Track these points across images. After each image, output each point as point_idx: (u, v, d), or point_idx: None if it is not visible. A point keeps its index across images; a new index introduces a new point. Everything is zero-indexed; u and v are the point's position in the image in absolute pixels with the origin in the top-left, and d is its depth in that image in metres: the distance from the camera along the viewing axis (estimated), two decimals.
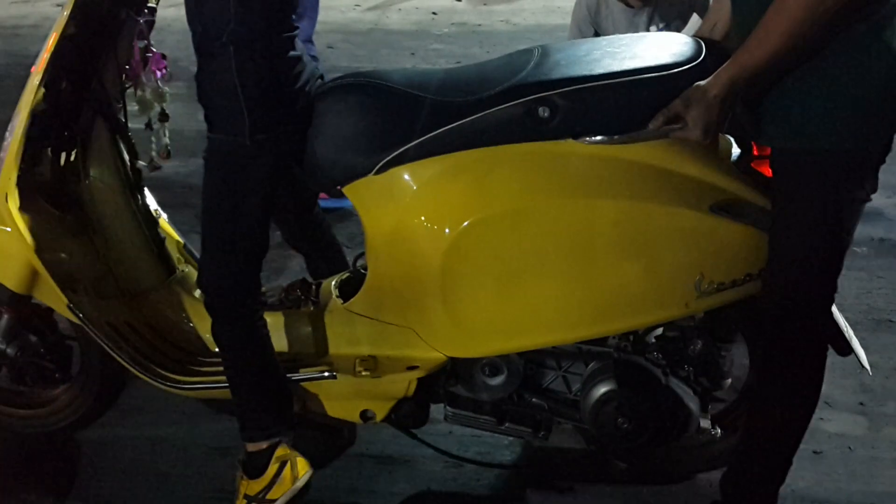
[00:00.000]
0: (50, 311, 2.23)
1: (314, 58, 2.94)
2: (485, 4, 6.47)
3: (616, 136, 1.81)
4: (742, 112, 1.78)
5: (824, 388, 1.94)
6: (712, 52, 1.85)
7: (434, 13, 6.23)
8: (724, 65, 1.71)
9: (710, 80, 1.71)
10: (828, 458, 2.34)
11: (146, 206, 2.32)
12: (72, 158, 2.19)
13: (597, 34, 3.16)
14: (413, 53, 5.34)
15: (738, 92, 1.71)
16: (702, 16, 2.61)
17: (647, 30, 3.07)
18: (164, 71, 2.13)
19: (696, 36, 1.96)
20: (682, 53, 1.84)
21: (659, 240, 1.84)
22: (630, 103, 1.82)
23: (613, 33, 3.09)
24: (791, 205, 1.77)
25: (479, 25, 5.96)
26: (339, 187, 2.01)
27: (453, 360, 2.05)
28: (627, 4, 3.09)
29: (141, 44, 2.09)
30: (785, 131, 1.73)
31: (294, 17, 1.97)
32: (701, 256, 1.86)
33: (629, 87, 1.81)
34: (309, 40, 3.03)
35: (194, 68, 1.95)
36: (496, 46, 5.41)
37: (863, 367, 2.05)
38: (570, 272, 1.89)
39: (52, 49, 2.00)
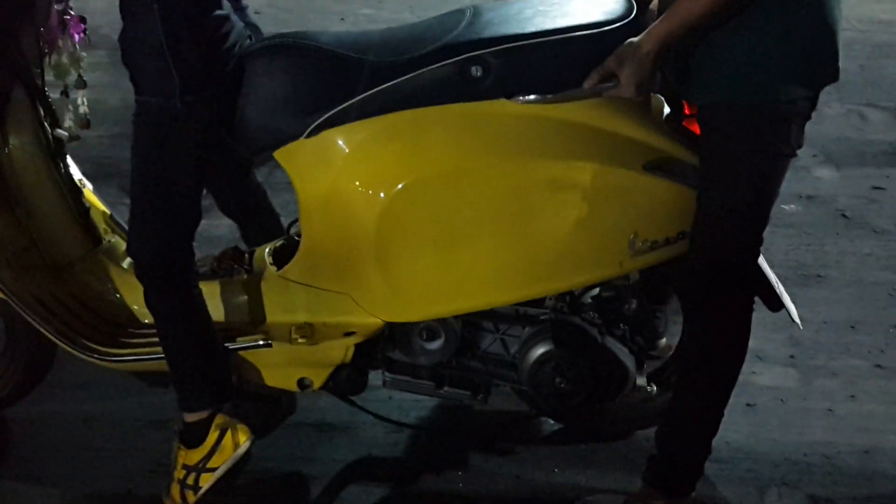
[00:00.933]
0: None
1: (252, 25, 2.89)
2: None
3: (549, 96, 1.81)
4: (670, 68, 1.79)
5: (755, 342, 1.99)
6: (643, 8, 1.85)
7: None
8: (655, 21, 1.71)
9: (643, 36, 1.71)
10: (760, 411, 2.40)
11: (69, 175, 2.24)
12: None
13: None
14: (342, 19, 5.25)
15: (670, 48, 1.72)
16: None
17: None
18: (82, 35, 2.05)
19: None
20: (613, 11, 1.84)
21: (593, 199, 1.85)
22: (562, 61, 1.81)
23: None
24: (716, 160, 1.79)
25: None
26: (269, 151, 1.97)
27: (390, 326, 2.04)
28: None
29: (59, 6, 2.01)
30: (710, 86, 1.74)
31: None
32: (635, 215, 1.87)
33: (561, 45, 1.81)
34: (242, 7, 2.93)
35: (116, 35, 1.88)
36: (427, 11, 5.33)
37: (793, 321, 2.10)
38: (505, 233, 1.89)
39: None
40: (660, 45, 1.70)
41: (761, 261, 1.96)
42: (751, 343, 1.94)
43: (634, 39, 1.72)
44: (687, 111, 1.91)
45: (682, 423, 2.02)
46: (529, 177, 1.85)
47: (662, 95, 1.95)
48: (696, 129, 1.85)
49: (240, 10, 2.07)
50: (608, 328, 2.05)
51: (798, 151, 1.80)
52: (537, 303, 2.04)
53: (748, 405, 2.40)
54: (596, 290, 2.07)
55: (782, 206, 3.21)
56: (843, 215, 3.28)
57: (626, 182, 1.85)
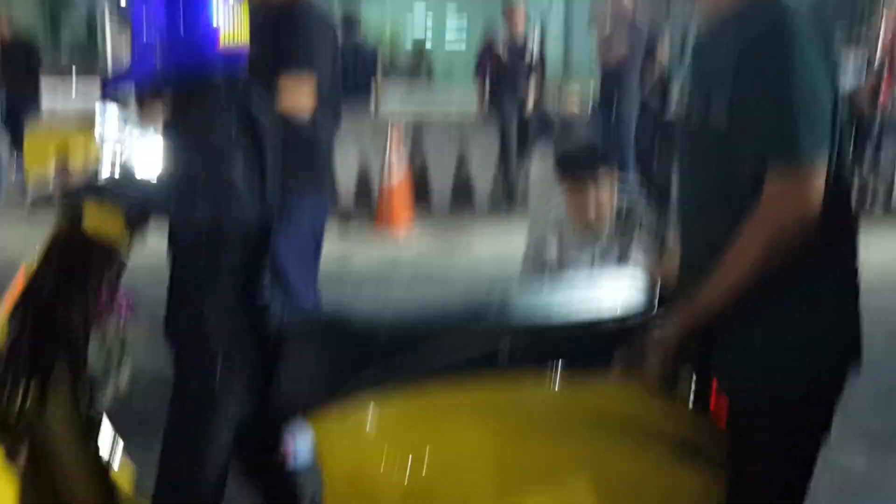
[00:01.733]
0: None
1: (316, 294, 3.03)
2: (445, 250, 6.73)
3: (574, 379, 1.85)
4: (696, 353, 1.83)
5: None
6: (667, 295, 1.93)
7: (395, 259, 6.44)
8: (678, 309, 1.78)
9: (667, 322, 1.77)
10: None
11: (98, 455, 2.26)
12: (30, 397, 2.16)
13: (551, 263, 3.28)
14: (374, 301, 5.46)
15: (693, 335, 1.77)
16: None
17: (599, 262, 3.18)
18: (129, 315, 2.16)
19: (652, 277, 2.05)
20: (638, 296, 1.92)
21: (621, 482, 1.84)
22: (588, 346, 1.87)
23: (568, 261, 3.21)
24: (744, 447, 1.78)
25: (439, 269, 6.16)
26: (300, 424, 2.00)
27: None
28: (587, 235, 3.20)
29: (109, 287, 2.13)
30: (733, 374, 1.77)
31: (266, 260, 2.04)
32: (662, 499, 1.84)
33: (586, 330, 1.88)
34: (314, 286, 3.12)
35: (162, 304, 1.98)
36: (456, 291, 5.56)
37: None
38: None
39: (20, 292, 2.03)
40: (683, 331, 1.75)
41: None
42: None
43: (656, 330, 1.78)
44: (715, 394, 1.93)
45: None
46: (556, 460, 1.84)
47: (689, 376, 1.98)
48: (720, 412, 1.86)
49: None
50: None
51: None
52: None
53: None
54: None
55: None
56: None
57: (654, 466, 1.84)
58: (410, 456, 1.89)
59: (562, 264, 3.26)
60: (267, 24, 3.09)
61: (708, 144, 1.73)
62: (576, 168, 2.98)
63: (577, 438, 1.85)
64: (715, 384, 1.85)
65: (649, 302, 1.91)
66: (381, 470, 1.90)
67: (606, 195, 2.98)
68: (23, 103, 7.83)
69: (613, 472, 1.84)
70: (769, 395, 1.74)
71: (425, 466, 1.87)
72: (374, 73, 8.32)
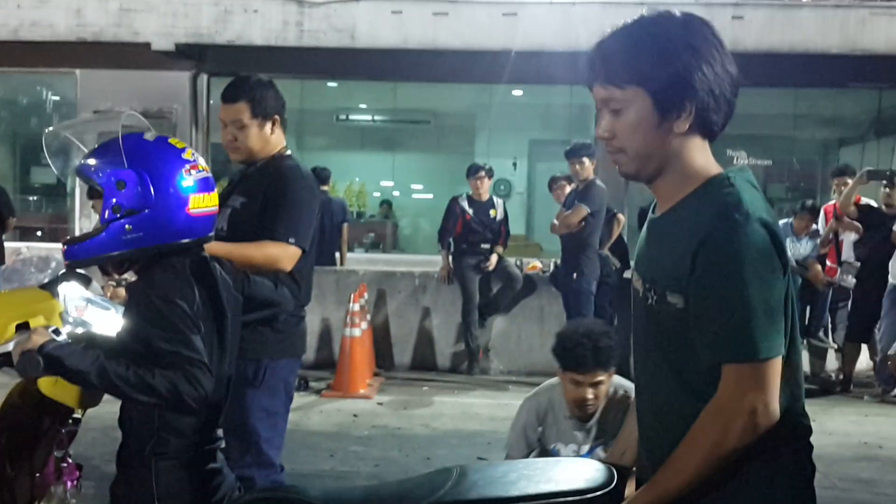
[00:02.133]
0: None
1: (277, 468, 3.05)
2: (405, 409, 6.65)
3: None
4: None
5: None
6: (622, 478, 1.92)
7: (355, 415, 6.35)
8: (637, 492, 1.77)
9: None
10: None
11: None
12: None
13: (540, 441, 3.27)
14: (332, 455, 5.35)
15: None
16: None
17: (591, 442, 3.18)
18: (75, 482, 2.09)
19: (606, 461, 2.04)
20: (594, 479, 1.91)
21: None
22: None
23: (556, 441, 3.20)
24: None
25: (399, 428, 6.07)
26: None
27: None
28: (578, 419, 3.21)
29: (58, 454, 2.08)
30: None
31: (219, 429, 2.01)
32: None
33: None
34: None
35: (106, 468, 1.93)
36: (415, 450, 5.47)
37: None
38: None
39: None
40: None
41: None
42: None
43: None
44: None
45: None
46: None
47: None
48: None
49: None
50: None
51: None
52: None
53: None
54: None
55: None
56: None
57: None
58: None
59: (550, 438, 3.25)
60: (250, 179, 3.14)
61: (663, 322, 1.76)
62: (576, 362, 3.02)
63: None
64: None
65: (607, 482, 1.89)
66: None
67: (604, 388, 3.03)
68: None
69: None
70: None
71: None
72: (341, 225, 8.46)
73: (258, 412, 3.01)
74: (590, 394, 3.05)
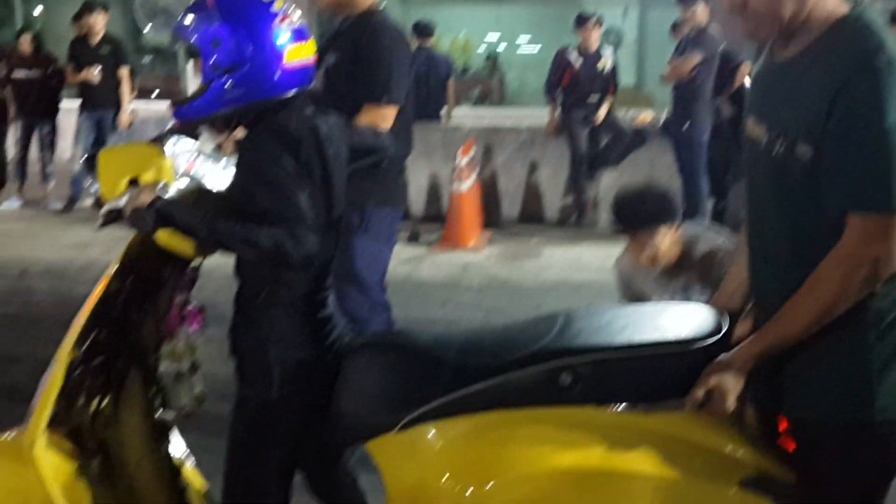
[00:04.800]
0: None
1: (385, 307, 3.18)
2: (514, 260, 6.72)
3: (639, 406, 1.83)
4: (761, 383, 1.80)
5: None
6: (733, 323, 1.90)
7: (465, 266, 6.46)
8: (750, 338, 1.75)
9: (736, 353, 1.75)
10: None
11: (170, 454, 2.33)
12: (104, 405, 2.23)
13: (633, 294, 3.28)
14: (443, 304, 5.49)
15: (762, 364, 1.74)
16: None
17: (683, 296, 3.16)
18: (199, 325, 2.21)
19: (715, 305, 2.02)
20: (704, 326, 1.90)
21: None
22: (653, 375, 1.85)
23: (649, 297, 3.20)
24: (811, 480, 1.74)
25: (508, 279, 6.15)
26: (361, 443, 2.02)
27: None
28: (664, 275, 3.19)
29: (180, 299, 2.19)
30: (802, 403, 1.74)
31: (330, 278, 2.08)
32: None
33: (651, 359, 1.86)
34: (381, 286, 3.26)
35: (229, 313, 2.03)
36: (524, 300, 5.55)
37: None
38: None
39: (96, 301, 2.10)
40: (752, 362, 1.72)
41: None
42: None
43: (728, 356, 1.76)
44: (782, 426, 1.89)
45: None
46: (619, 487, 1.82)
47: (755, 407, 1.95)
48: (787, 444, 1.82)
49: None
50: None
51: None
52: None
53: None
54: None
55: None
56: None
57: (720, 499, 1.80)
58: (472, 476, 1.88)
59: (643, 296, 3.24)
60: (342, 37, 3.15)
61: (788, 173, 1.70)
62: (632, 220, 2.97)
63: (643, 463, 1.82)
64: (783, 414, 1.81)
65: (716, 330, 1.88)
66: (443, 489, 1.90)
67: (667, 242, 2.97)
68: (102, 97, 8.11)
69: (678, 499, 1.80)
70: (837, 427, 1.70)
71: (487, 486, 1.87)
72: (446, 81, 8.37)
73: (365, 258, 3.12)
74: (655, 249, 2.98)
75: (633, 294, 3.27)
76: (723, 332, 1.87)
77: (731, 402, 1.74)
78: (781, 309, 1.71)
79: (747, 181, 1.88)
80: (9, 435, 2.26)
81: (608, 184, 7.83)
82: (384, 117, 3.01)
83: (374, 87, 3.01)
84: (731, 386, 1.73)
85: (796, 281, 1.69)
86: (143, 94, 9.92)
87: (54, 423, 2.12)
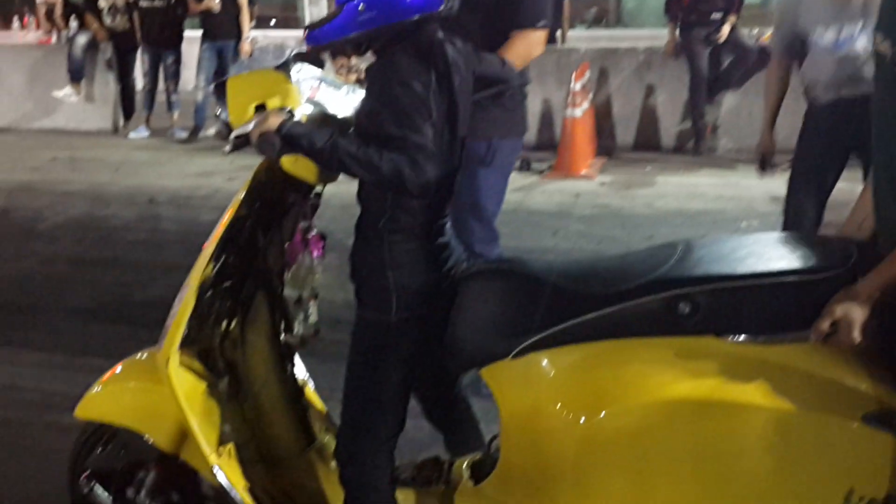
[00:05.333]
0: (195, 471, 2.31)
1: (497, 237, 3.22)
2: (627, 188, 6.59)
3: (761, 338, 1.79)
4: (888, 314, 1.72)
5: None
6: (861, 254, 1.82)
7: (577, 195, 6.39)
8: (877, 267, 1.68)
9: (863, 283, 1.68)
10: None
11: (294, 375, 2.42)
12: (232, 326, 2.34)
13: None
14: (554, 233, 5.46)
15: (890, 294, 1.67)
16: None
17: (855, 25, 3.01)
18: (321, 251, 2.27)
19: (844, 235, 1.94)
20: (831, 256, 1.83)
21: (805, 448, 1.77)
22: (775, 305, 1.80)
23: (817, 24, 3.06)
24: None
25: (622, 208, 6.06)
26: (476, 369, 2.05)
27: None
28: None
29: (303, 224, 2.25)
30: None
31: (448, 206, 2.09)
32: (852, 469, 1.76)
33: (774, 288, 1.80)
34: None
35: (348, 242, 2.08)
36: (637, 229, 5.46)
37: None
38: (707, 474, 1.82)
39: (226, 226, 2.18)
40: (879, 292, 1.66)
41: None
42: None
43: (852, 287, 1.69)
44: None
45: None
46: (737, 419, 1.79)
47: (883, 342, 1.87)
48: None
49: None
50: None
51: None
52: None
53: None
54: None
55: None
56: None
57: (842, 433, 1.75)
58: (585, 404, 1.89)
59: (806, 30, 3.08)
60: None
61: None
62: None
63: (761, 395, 1.79)
64: None
65: (844, 260, 1.80)
66: (556, 417, 1.92)
67: None
68: (223, 27, 8.29)
69: (798, 435, 1.77)
70: None
71: (600, 415, 1.87)
72: (560, 1, 8.15)
73: (488, 190, 3.12)
74: None
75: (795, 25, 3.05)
76: (850, 262, 1.79)
77: (856, 334, 1.67)
78: None
79: (873, 98, 1.78)
80: (142, 354, 2.40)
81: (729, 108, 7.54)
82: (537, 43, 2.90)
83: (526, 11, 2.90)
84: (858, 317, 1.67)
85: None
86: (262, 22, 10.07)
87: (185, 344, 2.23)
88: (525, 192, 6.40)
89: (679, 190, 6.50)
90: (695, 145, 7.56)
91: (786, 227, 3.61)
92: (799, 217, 3.55)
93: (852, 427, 1.74)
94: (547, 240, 5.31)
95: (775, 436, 1.78)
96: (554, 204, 6.20)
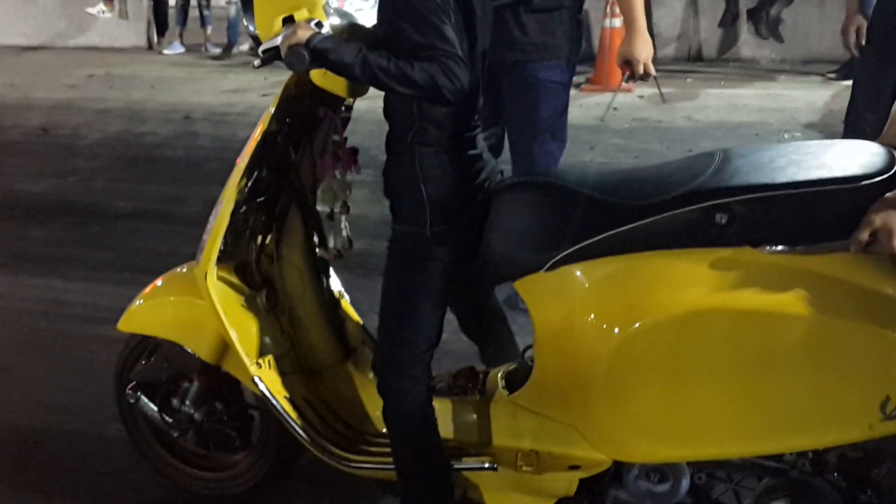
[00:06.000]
0: (236, 381, 2.37)
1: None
2: (666, 101, 6.47)
3: (798, 248, 1.77)
4: None
5: None
6: None
7: (615, 108, 6.28)
8: None
9: None
10: None
11: (330, 288, 2.45)
12: (267, 241, 2.36)
13: None
14: (592, 147, 5.40)
15: None
16: None
17: None
18: (354, 166, 2.26)
19: (883, 142, 1.89)
20: (872, 164, 1.78)
21: (842, 357, 1.76)
22: (813, 214, 1.77)
23: None
24: None
25: (660, 121, 5.96)
26: (510, 281, 2.05)
27: (617, 463, 2.01)
28: None
29: (335, 139, 2.24)
30: None
31: (477, 117, 2.06)
32: (889, 377, 1.75)
33: (813, 197, 1.77)
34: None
35: (383, 157, 2.07)
36: (676, 143, 5.38)
37: None
38: (743, 383, 1.82)
39: (257, 142, 2.18)
40: None
41: None
42: None
43: (893, 194, 1.65)
44: None
45: None
46: (773, 329, 1.78)
47: None
48: None
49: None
50: (853, 492, 1.91)
51: None
52: (776, 456, 1.94)
53: None
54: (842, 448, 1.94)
55: None
56: None
57: (880, 342, 1.74)
58: (619, 316, 1.89)
59: None
60: None
61: None
62: None
63: (799, 305, 1.77)
64: None
65: (886, 168, 1.76)
66: (590, 328, 1.92)
67: None
68: None
69: (836, 344, 1.76)
70: None
71: (634, 327, 1.87)
72: None
73: (560, 107, 3.16)
74: None
75: None
76: (891, 170, 1.75)
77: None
78: None
79: None
80: (182, 269, 2.44)
81: (774, 15, 7.31)
82: None
83: None
84: None
85: None
86: None
87: (223, 259, 2.26)
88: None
89: (720, 102, 6.37)
90: (730, 23, 7.26)
91: (846, 136, 3.54)
92: (860, 125, 3.47)
93: (890, 336, 1.73)
94: (584, 154, 5.26)
95: (811, 345, 1.77)
96: (592, 118, 6.11)
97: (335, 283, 2.48)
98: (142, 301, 2.44)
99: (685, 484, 1.99)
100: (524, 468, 2.07)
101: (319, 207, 2.32)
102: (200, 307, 2.25)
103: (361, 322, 2.53)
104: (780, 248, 1.78)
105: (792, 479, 1.93)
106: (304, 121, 2.25)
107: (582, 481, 2.04)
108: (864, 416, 1.77)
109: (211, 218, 2.25)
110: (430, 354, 2.10)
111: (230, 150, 2.24)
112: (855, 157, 1.83)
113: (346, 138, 2.26)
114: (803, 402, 1.80)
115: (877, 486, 1.91)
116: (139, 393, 2.41)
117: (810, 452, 1.93)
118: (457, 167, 2.01)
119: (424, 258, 2.03)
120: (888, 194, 1.67)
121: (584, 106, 6.41)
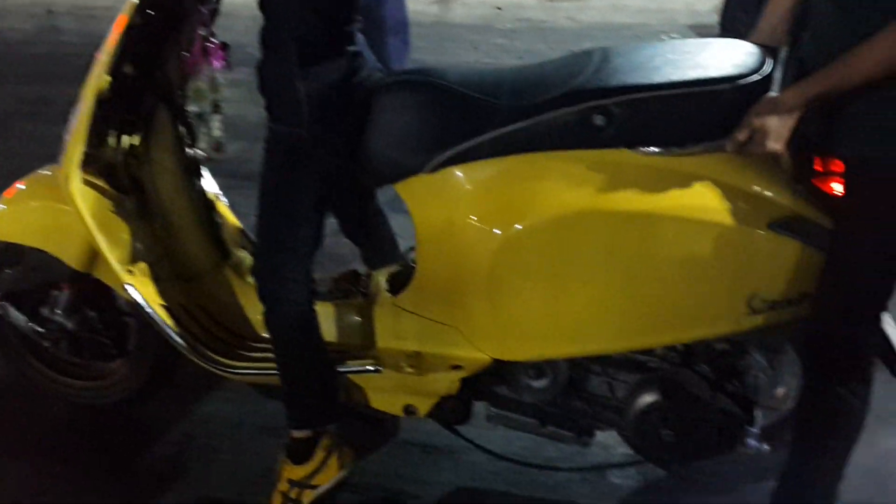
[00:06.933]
0: (108, 289, 2.28)
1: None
2: (550, 1, 6.43)
3: (674, 149, 1.79)
4: (810, 123, 1.71)
5: (883, 402, 1.90)
6: (776, 61, 1.81)
7: (499, 8, 6.21)
8: (807, 79, 1.65)
9: (789, 92, 1.66)
10: (883, 474, 2.27)
11: (203, 191, 2.36)
12: (135, 143, 2.24)
13: None
14: (476, 48, 5.34)
15: (815, 105, 1.65)
16: None
17: None
18: (223, 62, 2.15)
19: (755, 41, 1.91)
20: (746, 64, 1.81)
21: (712, 255, 1.81)
22: (689, 115, 1.79)
23: None
24: (857, 220, 1.70)
25: (544, 21, 5.93)
26: (391, 183, 2.02)
27: (497, 361, 2.05)
28: None
29: (202, 33, 2.12)
30: (860, 140, 1.65)
31: (359, 16, 1.99)
32: (755, 274, 1.82)
33: (688, 98, 1.79)
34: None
35: (258, 54, 1.98)
36: (561, 43, 5.38)
37: None
38: (618, 282, 1.87)
39: (119, 35, 2.05)
40: (806, 103, 1.64)
41: (886, 320, 1.87)
42: (875, 403, 1.86)
43: (778, 95, 1.67)
44: (818, 168, 1.84)
45: (799, 485, 1.95)
46: (647, 229, 1.82)
47: (791, 151, 1.90)
48: (826, 188, 1.78)
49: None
50: (720, 382, 2.01)
51: None
52: (648, 351, 2.02)
53: (870, 468, 2.27)
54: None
55: None
56: None
57: (748, 239, 1.80)
58: (500, 218, 1.89)
59: None
60: None
61: None
62: None
63: (672, 206, 1.81)
64: (837, 155, 1.73)
65: (759, 67, 1.79)
66: (471, 230, 1.92)
67: None
68: None
69: (705, 242, 1.80)
70: (891, 162, 1.63)
71: (515, 228, 1.88)
72: None
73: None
74: None
75: None
76: (768, 69, 1.78)
77: (774, 144, 1.66)
78: (848, 54, 1.58)
79: None
80: (45, 171, 2.30)
81: None
82: None
83: None
84: (777, 127, 1.65)
85: (870, 28, 1.55)
86: None
87: (88, 162, 2.14)
88: (445, 6, 6.20)
89: (602, 3, 6.37)
90: None
91: (722, 36, 3.58)
92: (734, 26, 3.52)
93: (758, 234, 1.79)
94: (468, 54, 5.20)
95: (682, 244, 1.81)
96: (475, 17, 6.03)
97: (210, 185, 2.39)
98: (3, 206, 2.30)
99: (562, 378, 2.04)
100: (408, 369, 2.09)
101: (190, 106, 2.21)
102: (66, 212, 2.13)
103: (241, 225, 2.46)
104: (655, 149, 1.80)
105: (662, 371, 2.01)
106: (170, 13, 2.11)
107: (464, 380, 2.07)
108: (732, 311, 1.85)
109: (71, 117, 2.11)
110: (311, 258, 2.07)
111: (97, 46, 2.09)
112: (729, 57, 1.85)
113: (213, 32, 2.15)
114: (676, 298, 1.86)
115: (741, 376, 2.01)
116: (6, 303, 2.30)
117: (680, 346, 2.01)
118: (334, 63, 1.94)
119: (302, 159, 1.97)
120: (768, 95, 1.69)
121: (467, 5, 6.31)
